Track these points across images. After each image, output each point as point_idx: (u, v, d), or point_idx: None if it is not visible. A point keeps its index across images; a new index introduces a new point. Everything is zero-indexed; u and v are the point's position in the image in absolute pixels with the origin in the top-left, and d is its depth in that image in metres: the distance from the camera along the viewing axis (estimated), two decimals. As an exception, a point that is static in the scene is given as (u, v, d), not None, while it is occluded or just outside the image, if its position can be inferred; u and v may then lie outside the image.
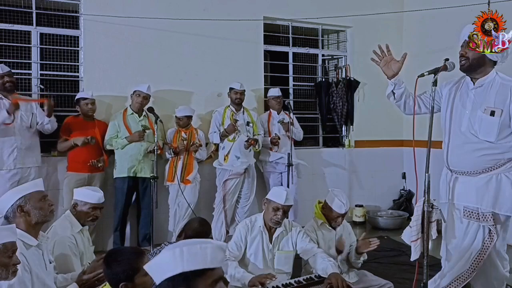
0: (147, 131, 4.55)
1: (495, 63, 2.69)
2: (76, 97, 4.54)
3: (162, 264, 1.45)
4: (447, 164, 2.80)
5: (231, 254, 2.95)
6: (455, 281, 2.70)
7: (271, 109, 5.33)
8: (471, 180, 2.68)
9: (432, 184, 2.55)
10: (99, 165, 4.46)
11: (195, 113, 5.18)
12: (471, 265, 2.66)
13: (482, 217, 2.63)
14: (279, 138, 5.06)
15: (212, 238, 3.52)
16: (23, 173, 4.14)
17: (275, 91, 5.31)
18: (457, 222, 2.76)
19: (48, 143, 4.64)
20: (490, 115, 2.60)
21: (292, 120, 5.23)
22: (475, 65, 2.65)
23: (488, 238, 2.63)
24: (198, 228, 2.79)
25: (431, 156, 2.56)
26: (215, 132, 4.91)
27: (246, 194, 5.04)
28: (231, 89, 4.98)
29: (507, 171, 2.62)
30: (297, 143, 5.45)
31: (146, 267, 1.51)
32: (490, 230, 2.62)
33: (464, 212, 2.70)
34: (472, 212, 2.67)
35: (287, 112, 5.29)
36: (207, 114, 5.16)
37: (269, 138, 5.13)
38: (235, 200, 5.00)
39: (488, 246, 2.63)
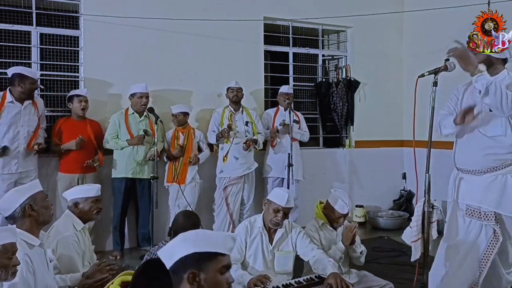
0: (147, 136, 4.55)
1: (505, 61, 2.69)
2: (70, 94, 4.51)
3: (174, 247, 1.50)
4: (454, 163, 2.82)
5: (233, 258, 2.94)
6: None
7: (279, 105, 5.33)
8: (476, 179, 2.70)
9: (433, 184, 2.56)
10: (95, 165, 4.43)
11: (195, 113, 5.19)
12: (480, 269, 2.66)
13: (484, 216, 2.64)
14: (277, 131, 5.06)
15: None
16: (21, 176, 4.11)
17: (284, 88, 5.32)
18: (460, 221, 2.78)
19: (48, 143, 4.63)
20: (490, 110, 2.60)
21: (299, 120, 5.23)
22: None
23: (493, 239, 2.63)
24: (184, 223, 2.75)
25: (432, 156, 2.57)
26: (213, 131, 4.91)
27: (245, 195, 5.04)
28: (228, 88, 4.98)
29: None
30: (299, 143, 5.41)
31: (159, 253, 1.54)
32: (495, 230, 2.62)
33: (466, 210, 2.72)
34: (474, 210, 2.69)
35: (296, 112, 5.29)
36: (207, 114, 5.15)
37: (269, 131, 5.15)
38: (239, 202, 4.99)
39: (494, 247, 2.62)
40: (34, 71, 4.21)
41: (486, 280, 2.74)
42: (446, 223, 2.91)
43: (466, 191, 2.74)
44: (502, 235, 2.62)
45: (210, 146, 5.07)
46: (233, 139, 4.82)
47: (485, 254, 2.65)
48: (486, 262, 2.64)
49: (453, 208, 2.84)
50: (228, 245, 1.54)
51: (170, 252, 1.50)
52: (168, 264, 1.50)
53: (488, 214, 2.63)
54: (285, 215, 2.97)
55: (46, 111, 4.86)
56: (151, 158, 4.45)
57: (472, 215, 2.69)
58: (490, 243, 2.64)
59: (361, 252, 3.28)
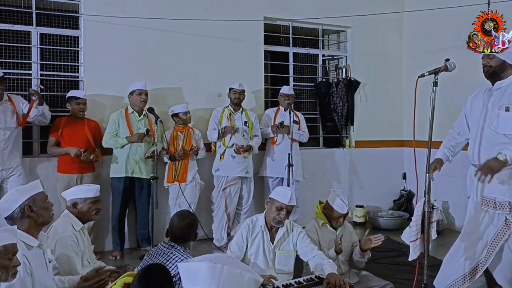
0: (147, 137, 4.54)
1: None
2: (68, 95, 4.51)
3: (198, 274, 1.46)
4: (473, 160, 2.94)
5: (232, 255, 2.95)
6: (472, 270, 2.87)
7: (280, 106, 5.34)
8: None
9: (433, 184, 2.56)
10: (91, 157, 4.40)
11: (195, 113, 5.19)
12: (486, 253, 2.82)
13: (498, 206, 2.79)
14: (277, 128, 5.06)
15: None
16: (5, 173, 4.09)
17: (285, 89, 5.33)
18: (475, 212, 2.93)
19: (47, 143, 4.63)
20: (505, 110, 2.76)
21: (299, 121, 5.23)
22: (498, 71, 2.81)
23: (504, 226, 2.78)
24: (178, 224, 2.75)
25: (432, 156, 2.57)
26: (214, 129, 4.91)
27: (245, 196, 5.06)
28: (230, 89, 4.99)
29: None
30: (299, 143, 5.41)
31: (180, 266, 1.53)
32: (506, 219, 2.76)
33: (482, 201, 2.87)
34: (489, 201, 2.83)
35: (296, 112, 5.28)
36: (207, 114, 5.15)
37: (270, 128, 5.15)
38: (236, 202, 5.02)
39: (504, 234, 2.77)
40: None
41: (502, 268, 2.86)
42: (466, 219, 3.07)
43: (482, 184, 2.85)
44: None
45: (207, 146, 5.06)
46: (230, 138, 4.84)
47: (493, 240, 2.79)
48: (494, 248, 2.78)
49: (470, 202, 3.00)
50: None
51: (192, 277, 1.47)
52: (186, 286, 1.48)
53: (503, 204, 2.77)
54: (288, 213, 2.99)
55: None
56: (150, 155, 4.44)
57: (488, 205, 2.84)
58: (500, 230, 2.78)
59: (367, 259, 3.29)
